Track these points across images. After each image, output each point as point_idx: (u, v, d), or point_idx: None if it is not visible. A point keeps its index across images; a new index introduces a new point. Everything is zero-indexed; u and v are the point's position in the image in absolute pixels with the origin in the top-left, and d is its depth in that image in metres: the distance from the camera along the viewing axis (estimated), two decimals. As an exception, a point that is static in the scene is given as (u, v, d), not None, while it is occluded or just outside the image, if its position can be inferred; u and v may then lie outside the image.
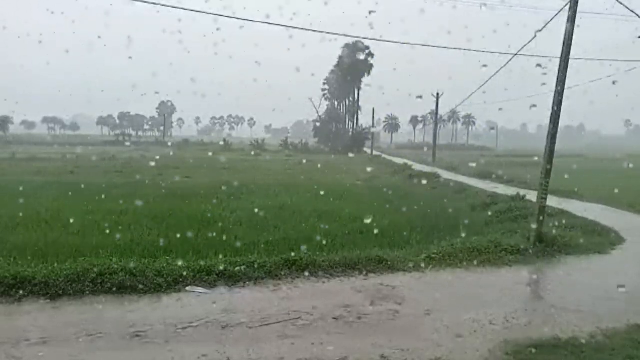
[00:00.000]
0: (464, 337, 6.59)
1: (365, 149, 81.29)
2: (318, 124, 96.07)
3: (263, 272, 8.81)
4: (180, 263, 8.76)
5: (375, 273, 9.36)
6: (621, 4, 11.53)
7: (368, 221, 10.92)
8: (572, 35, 11.43)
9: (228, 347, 6.11)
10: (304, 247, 10.35)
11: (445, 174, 32.36)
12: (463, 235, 11.83)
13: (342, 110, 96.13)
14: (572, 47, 11.53)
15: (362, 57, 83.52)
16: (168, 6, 13.63)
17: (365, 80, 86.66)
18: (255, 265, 8.92)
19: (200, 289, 8.16)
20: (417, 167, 39.44)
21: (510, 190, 20.12)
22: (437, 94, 56.12)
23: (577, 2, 11.33)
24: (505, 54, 16.50)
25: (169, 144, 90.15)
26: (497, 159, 54.29)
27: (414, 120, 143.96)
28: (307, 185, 23.21)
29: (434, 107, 59.59)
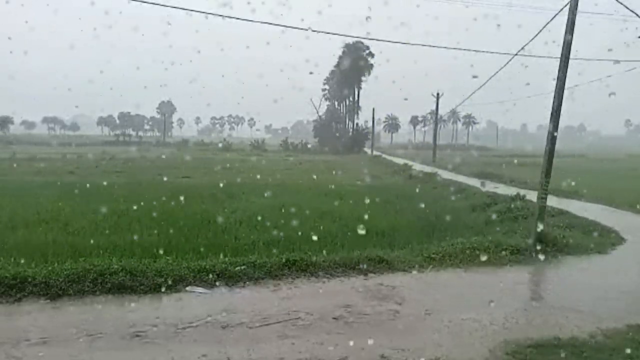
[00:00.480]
0: (464, 337, 6.59)
1: (365, 149, 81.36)
2: (318, 124, 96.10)
3: (263, 272, 8.81)
4: (180, 263, 8.77)
5: (375, 273, 9.36)
6: (621, 4, 11.54)
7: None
8: (572, 35, 11.42)
9: (228, 347, 6.11)
10: (304, 247, 10.37)
11: (446, 174, 32.37)
12: (463, 235, 11.83)
13: (342, 110, 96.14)
14: (572, 47, 11.54)
15: (362, 57, 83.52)
16: (168, 6, 13.62)
17: (366, 80, 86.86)
18: (255, 265, 8.92)
19: (200, 289, 8.15)
20: (417, 167, 39.45)
21: (511, 190, 20.12)
22: (437, 94, 56.16)
23: (577, 2, 11.33)
24: (505, 54, 16.51)
25: (169, 144, 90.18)
26: (498, 159, 54.24)
27: (414, 120, 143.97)
28: (307, 185, 23.23)
29: (434, 107, 59.59)
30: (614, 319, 7.24)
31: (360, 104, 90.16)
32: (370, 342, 6.29)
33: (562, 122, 12.01)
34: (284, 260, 9.23)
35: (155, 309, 7.39)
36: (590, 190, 21.21)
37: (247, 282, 8.53)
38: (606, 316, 7.41)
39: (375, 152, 71.93)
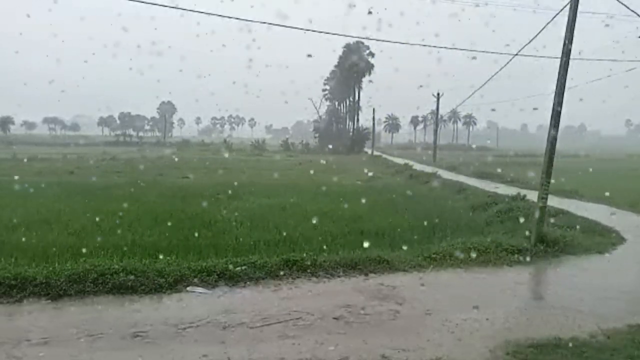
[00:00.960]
0: (464, 337, 6.59)
1: (365, 149, 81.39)
2: (318, 125, 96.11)
3: (264, 272, 8.82)
4: (180, 263, 8.77)
5: (375, 273, 9.37)
6: (622, 3, 11.54)
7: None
8: (572, 35, 11.42)
9: (229, 347, 6.11)
10: (304, 247, 10.37)
11: (446, 174, 32.38)
12: (464, 235, 11.82)
13: (342, 111, 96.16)
14: (573, 47, 11.53)
15: (362, 56, 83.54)
16: (167, 6, 13.64)
17: (366, 80, 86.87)
18: (256, 265, 8.92)
19: (200, 289, 8.16)
20: (418, 167, 39.46)
21: (511, 190, 20.12)
22: (438, 94, 56.18)
23: (577, 2, 11.33)
24: (505, 54, 16.50)
25: (170, 144, 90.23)
26: (498, 159, 54.25)
27: (415, 120, 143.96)
28: (308, 185, 23.22)
29: (434, 107, 59.60)
30: (614, 319, 7.24)
31: (360, 104, 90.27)
32: (370, 342, 6.30)
33: (563, 122, 12.01)
34: (284, 260, 9.24)
35: (156, 309, 7.40)
36: (591, 190, 21.21)
37: (248, 282, 8.54)
38: (607, 316, 7.41)
39: (375, 152, 71.96)
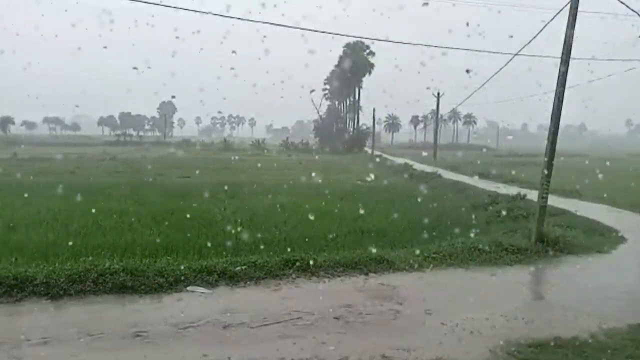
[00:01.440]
0: (464, 337, 6.59)
1: (366, 149, 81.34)
2: (319, 124, 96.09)
3: (264, 272, 8.81)
4: (181, 263, 8.77)
5: (376, 273, 9.36)
6: (622, 3, 11.52)
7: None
8: (572, 35, 11.40)
9: (229, 347, 6.11)
10: (304, 247, 10.36)
11: (446, 174, 32.36)
12: (464, 234, 11.82)
13: (342, 110, 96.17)
14: (572, 47, 11.51)
15: (362, 56, 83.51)
16: (166, 6, 13.60)
17: (366, 79, 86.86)
18: (256, 265, 8.91)
19: (201, 289, 8.15)
20: (418, 166, 39.44)
21: (511, 190, 20.11)
22: (438, 93, 56.21)
23: (577, 2, 11.31)
24: (505, 54, 16.46)
25: (170, 144, 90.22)
26: (498, 158, 54.25)
27: (415, 120, 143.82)
28: (308, 185, 23.24)
29: (434, 107, 59.60)
30: (615, 319, 7.23)
31: (361, 103, 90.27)
32: (371, 341, 6.30)
33: (563, 121, 12.00)
34: (284, 260, 9.23)
35: (156, 309, 7.39)
36: (591, 190, 21.19)
37: (248, 282, 8.53)
38: (607, 315, 7.40)
39: (375, 152, 71.93)
